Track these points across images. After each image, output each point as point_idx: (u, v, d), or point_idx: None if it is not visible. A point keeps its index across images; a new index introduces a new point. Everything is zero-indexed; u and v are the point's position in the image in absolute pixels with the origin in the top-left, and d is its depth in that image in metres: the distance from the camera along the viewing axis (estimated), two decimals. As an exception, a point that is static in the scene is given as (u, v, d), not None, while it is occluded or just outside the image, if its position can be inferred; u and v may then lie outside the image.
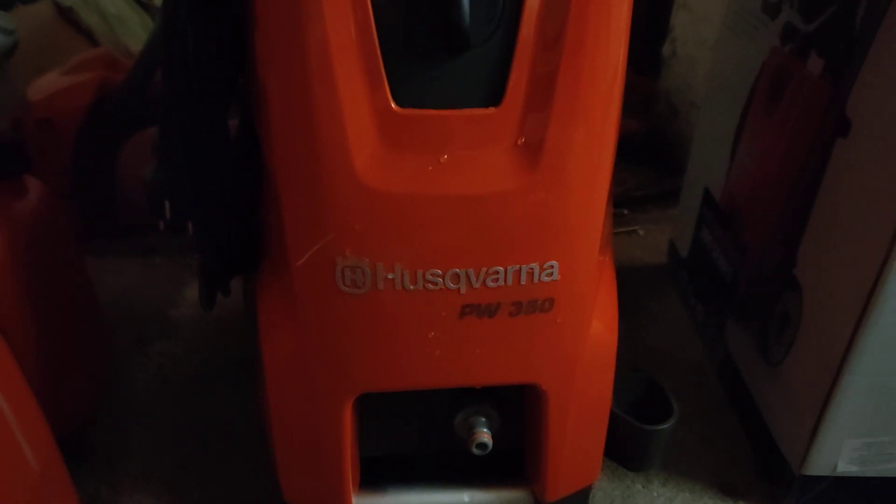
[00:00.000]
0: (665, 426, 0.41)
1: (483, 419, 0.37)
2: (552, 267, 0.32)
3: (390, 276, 0.31)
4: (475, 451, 0.36)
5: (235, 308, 0.43)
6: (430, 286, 0.31)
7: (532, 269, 0.32)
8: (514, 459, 0.41)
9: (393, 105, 0.29)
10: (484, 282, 0.31)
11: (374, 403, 0.36)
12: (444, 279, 0.31)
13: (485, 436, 0.36)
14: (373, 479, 0.40)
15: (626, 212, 0.86)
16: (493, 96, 0.29)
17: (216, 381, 0.58)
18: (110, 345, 0.56)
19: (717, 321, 0.58)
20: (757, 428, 0.50)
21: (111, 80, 0.67)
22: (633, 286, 0.72)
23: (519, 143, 0.30)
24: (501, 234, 0.31)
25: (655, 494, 0.48)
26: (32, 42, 0.90)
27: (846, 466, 0.44)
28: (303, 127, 0.29)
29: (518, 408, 0.38)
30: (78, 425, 0.49)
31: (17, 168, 0.42)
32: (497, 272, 0.31)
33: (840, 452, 0.43)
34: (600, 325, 0.36)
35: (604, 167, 0.32)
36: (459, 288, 0.31)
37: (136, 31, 0.92)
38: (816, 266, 0.43)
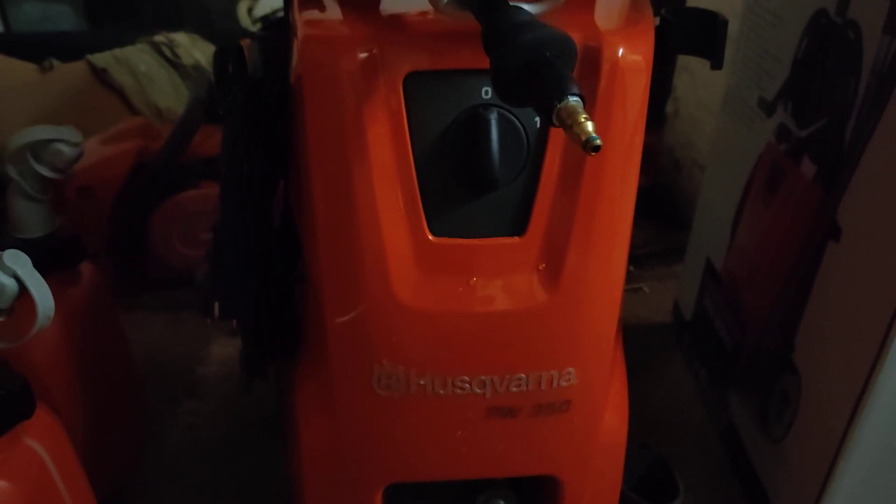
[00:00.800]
0: (671, 507, 0.43)
1: (502, 502, 0.40)
2: (570, 373, 0.35)
3: (422, 382, 0.34)
4: (496, 534, 0.39)
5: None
6: (459, 391, 0.35)
7: (552, 375, 0.35)
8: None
9: (429, 236, 0.32)
10: (507, 387, 0.35)
11: (402, 487, 0.39)
12: (471, 385, 0.34)
13: (505, 520, 0.39)
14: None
15: (631, 268, 0.90)
16: (518, 227, 0.33)
17: (245, 441, 0.61)
18: (145, 406, 0.59)
19: (720, 389, 0.61)
20: (759, 499, 0.53)
21: (149, 149, 0.71)
22: (638, 346, 0.75)
23: (540, 267, 0.33)
24: (524, 345, 0.34)
25: (662, 564, 0.51)
26: (70, 103, 0.95)
27: (844, 542, 0.46)
28: (348, 253, 0.32)
29: (535, 490, 0.41)
30: (117, 488, 0.52)
31: (75, 259, 0.46)
32: (520, 379, 0.35)
33: (838, 529, 0.46)
34: (612, 416, 0.39)
35: (618, 282, 0.35)
36: (485, 393, 0.35)
37: (165, 88, 0.97)
38: (814, 355, 0.46)
